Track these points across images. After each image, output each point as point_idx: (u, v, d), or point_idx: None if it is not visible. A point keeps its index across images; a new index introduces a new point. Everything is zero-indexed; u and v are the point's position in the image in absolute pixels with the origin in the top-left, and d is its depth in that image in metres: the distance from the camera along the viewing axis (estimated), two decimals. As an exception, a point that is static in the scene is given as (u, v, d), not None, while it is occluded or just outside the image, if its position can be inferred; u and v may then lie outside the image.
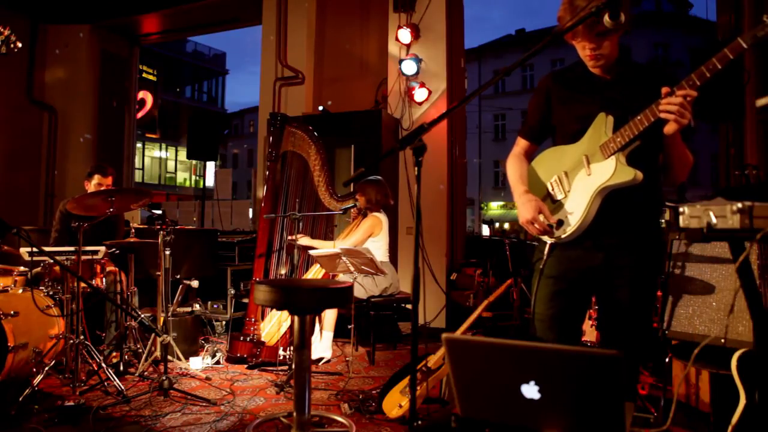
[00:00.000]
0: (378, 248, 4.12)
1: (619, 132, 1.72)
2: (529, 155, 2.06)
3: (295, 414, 2.29)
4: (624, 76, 1.84)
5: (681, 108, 1.59)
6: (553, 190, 1.90)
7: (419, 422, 1.81)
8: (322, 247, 4.06)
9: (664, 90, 1.62)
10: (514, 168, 2.02)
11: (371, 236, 4.17)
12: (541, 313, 1.91)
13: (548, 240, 1.87)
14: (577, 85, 1.89)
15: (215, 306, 5.03)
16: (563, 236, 1.82)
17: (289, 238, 4.12)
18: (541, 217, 1.81)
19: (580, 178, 1.82)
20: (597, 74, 1.86)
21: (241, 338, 4.00)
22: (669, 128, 1.66)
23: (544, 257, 1.88)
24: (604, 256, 1.82)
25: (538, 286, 1.91)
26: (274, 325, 4.08)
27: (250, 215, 8.78)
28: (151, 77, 24.28)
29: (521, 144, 2.08)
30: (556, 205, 1.87)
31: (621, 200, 1.76)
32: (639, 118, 1.67)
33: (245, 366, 3.83)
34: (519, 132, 2.09)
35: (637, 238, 1.82)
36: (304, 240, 4.13)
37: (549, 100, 1.96)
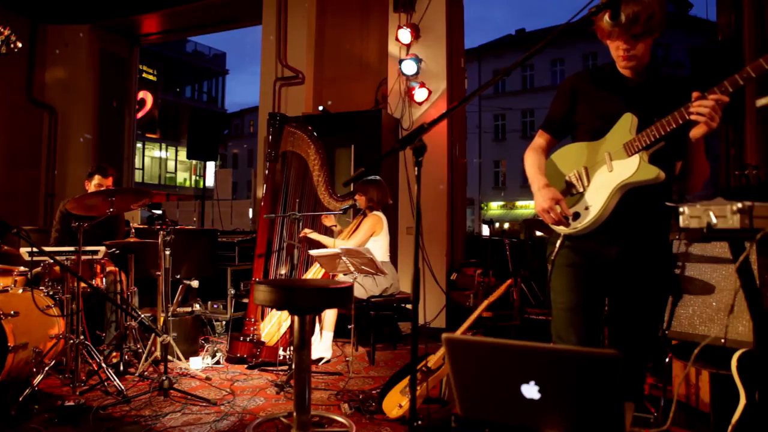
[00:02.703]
0: (378, 248, 4.12)
1: (645, 131, 1.75)
2: (549, 149, 2.08)
3: (295, 414, 2.29)
4: (652, 81, 1.86)
5: (712, 111, 1.61)
6: (572, 183, 1.92)
7: (419, 422, 1.81)
8: (327, 243, 4.08)
9: (695, 94, 1.64)
10: (532, 159, 2.03)
11: (372, 235, 4.18)
12: (566, 302, 1.90)
13: (561, 231, 1.89)
14: (605, 84, 1.91)
15: (215, 306, 5.02)
16: (578, 228, 1.85)
17: (300, 235, 4.12)
18: (558, 208, 1.83)
19: (600, 174, 1.85)
20: (626, 76, 1.88)
21: (241, 338, 4.00)
22: (697, 131, 1.69)
23: (556, 248, 1.90)
24: (617, 252, 1.84)
25: (553, 276, 1.92)
26: (274, 325, 4.08)
27: (250, 215, 8.78)
28: (151, 77, 24.28)
29: (543, 137, 2.09)
30: (574, 198, 1.89)
31: (638, 199, 1.79)
32: (667, 119, 1.70)
33: (245, 366, 3.82)
34: (541, 125, 2.10)
35: (650, 237, 1.84)
36: (312, 235, 4.15)
37: (575, 96, 1.97)
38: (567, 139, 2.08)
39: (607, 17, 1.69)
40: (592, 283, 1.89)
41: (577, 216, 1.85)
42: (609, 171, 1.82)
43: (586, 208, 1.84)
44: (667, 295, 2.03)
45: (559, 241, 1.90)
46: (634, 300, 1.85)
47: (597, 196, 1.83)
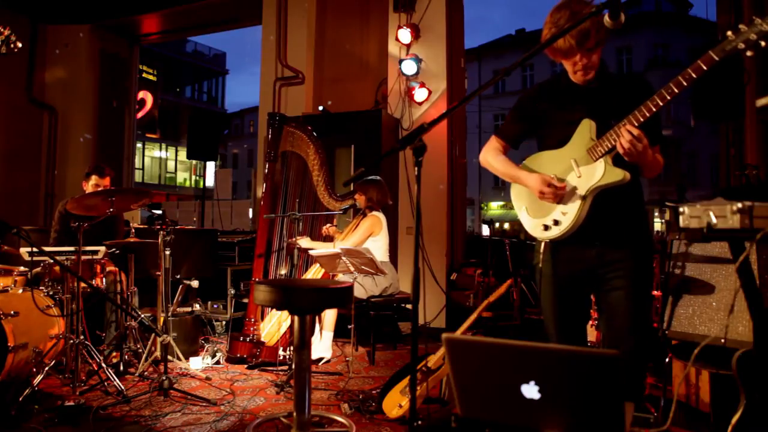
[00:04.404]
0: (378, 248, 4.12)
1: (605, 136, 1.82)
2: (505, 154, 2.17)
3: (295, 414, 2.29)
4: (605, 85, 1.95)
5: (630, 146, 1.71)
6: None
7: (419, 422, 1.81)
8: (323, 249, 4.07)
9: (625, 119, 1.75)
10: (499, 160, 2.12)
11: (371, 236, 4.17)
12: (546, 316, 2.02)
13: (542, 239, 1.96)
14: (562, 95, 2.00)
15: (215, 306, 5.02)
16: (558, 234, 1.91)
17: (290, 240, 4.12)
18: (552, 187, 1.89)
19: (570, 180, 1.91)
20: (580, 84, 1.96)
21: (241, 338, 4.00)
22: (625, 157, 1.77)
23: (541, 256, 1.98)
24: (597, 253, 1.91)
25: (541, 287, 2.01)
26: (274, 325, 4.08)
27: (250, 215, 8.79)
28: (151, 77, 24.24)
29: (499, 143, 2.16)
30: (549, 206, 1.95)
31: (610, 199, 1.87)
32: (617, 128, 1.77)
33: (245, 366, 3.82)
34: (496, 132, 2.18)
35: (627, 232, 1.91)
36: (304, 242, 4.13)
37: (534, 110, 2.06)
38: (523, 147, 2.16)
39: (607, 17, 1.71)
40: (573, 295, 1.99)
41: (556, 223, 1.91)
42: (578, 177, 1.89)
43: (564, 214, 1.90)
44: (650, 290, 2.08)
45: (542, 248, 1.97)
46: (622, 298, 1.89)
47: (572, 202, 1.89)
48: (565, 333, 1.98)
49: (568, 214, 1.89)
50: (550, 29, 1.85)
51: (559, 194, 1.89)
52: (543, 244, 1.96)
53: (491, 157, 2.14)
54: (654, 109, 1.69)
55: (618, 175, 1.81)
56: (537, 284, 2.05)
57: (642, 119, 1.72)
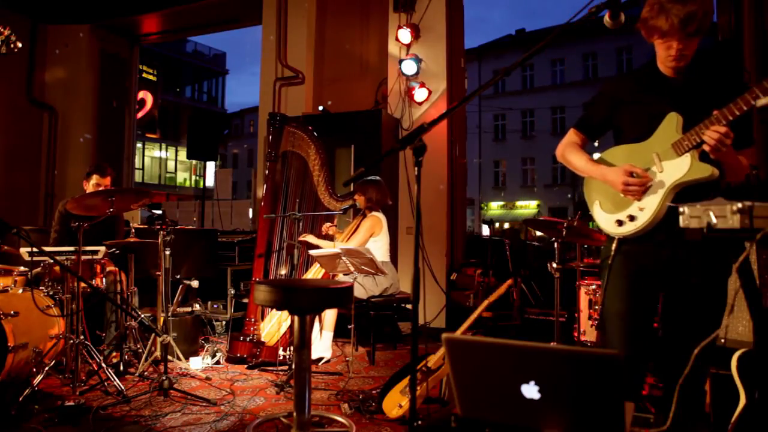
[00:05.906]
0: (378, 248, 4.12)
1: (693, 130, 1.73)
2: (583, 148, 2.09)
3: (295, 414, 2.29)
4: (695, 79, 1.85)
5: (718, 143, 1.65)
6: None
7: (419, 422, 1.81)
8: (327, 248, 4.08)
9: (715, 112, 1.67)
10: (578, 156, 2.04)
11: (372, 236, 4.17)
12: (612, 312, 1.91)
13: (616, 235, 1.88)
14: (649, 86, 1.91)
15: (215, 306, 5.02)
16: (633, 230, 1.83)
17: (299, 239, 4.12)
18: (634, 177, 1.81)
19: (651, 175, 1.83)
20: (669, 76, 1.88)
21: (241, 338, 4.00)
22: (711, 154, 1.70)
23: (612, 253, 1.89)
24: (671, 253, 1.82)
25: (608, 283, 1.92)
26: (274, 325, 4.08)
27: (250, 215, 8.78)
28: (151, 77, 24.23)
29: (577, 136, 2.09)
30: (627, 200, 1.87)
31: (691, 198, 1.73)
32: (716, 116, 1.69)
33: (245, 366, 3.82)
34: (575, 125, 2.10)
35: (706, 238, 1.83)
36: (311, 238, 4.14)
37: (617, 99, 1.97)
38: (604, 143, 2.09)
39: (607, 17, 1.70)
40: (645, 291, 1.89)
41: (632, 218, 1.84)
42: (660, 171, 1.81)
43: (641, 209, 1.82)
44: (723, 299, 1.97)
45: (614, 245, 1.89)
46: (689, 304, 1.83)
47: (650, 198, 1.81)
48: (631, 333, 1.88)
49: (645, 210, 1.81)
50: (652, 7, 1.76)
51: (644, 185, 1.79)
52: (615, 241, 1.88)
53: (567, 151, 2.06)
54: (751, 103, 1.60)
55: (706, 170, 1.72)
56: (603, 278, 1.95)
57: (738, 113, 1.63)
